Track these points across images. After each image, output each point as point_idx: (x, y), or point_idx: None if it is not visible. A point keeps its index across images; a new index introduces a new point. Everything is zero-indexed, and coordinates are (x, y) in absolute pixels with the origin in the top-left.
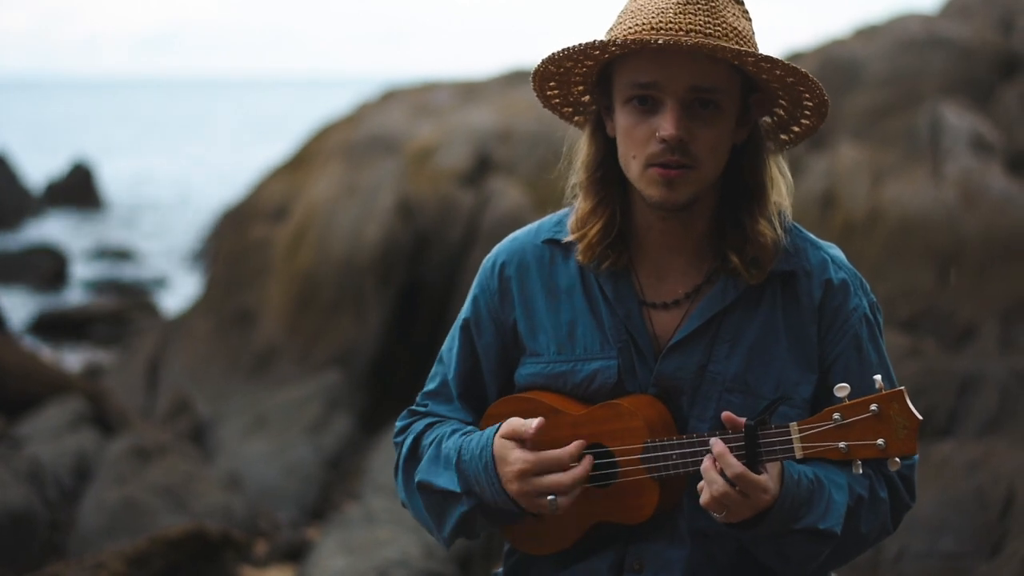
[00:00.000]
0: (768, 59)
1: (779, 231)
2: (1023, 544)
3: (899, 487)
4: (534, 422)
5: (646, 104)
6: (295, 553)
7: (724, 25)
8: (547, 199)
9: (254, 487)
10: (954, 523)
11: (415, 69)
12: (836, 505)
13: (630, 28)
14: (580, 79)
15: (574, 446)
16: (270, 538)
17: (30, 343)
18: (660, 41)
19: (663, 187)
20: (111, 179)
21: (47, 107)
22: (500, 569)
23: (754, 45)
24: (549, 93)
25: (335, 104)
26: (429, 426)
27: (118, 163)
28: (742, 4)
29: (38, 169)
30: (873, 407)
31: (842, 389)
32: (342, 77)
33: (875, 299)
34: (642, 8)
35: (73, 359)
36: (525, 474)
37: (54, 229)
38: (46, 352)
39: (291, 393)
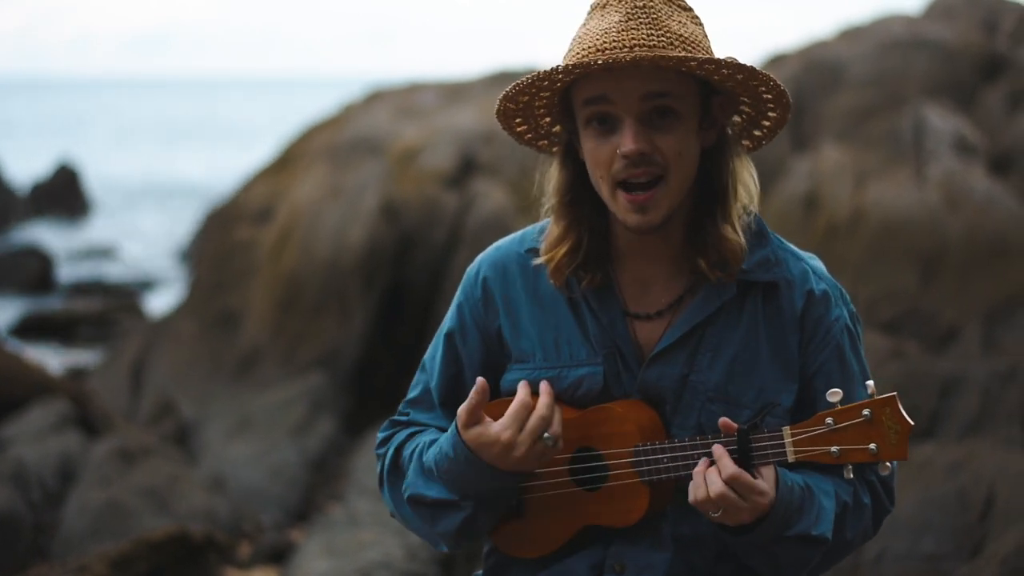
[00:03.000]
0: (711, 60)
1: (740, 235)
2: (1003, 545)
3: (880, 493)
4: (476, 386)
5: (605, 124)
6: (278, 555)
7: (669, 34)
8: (531, 201)
9: (238, 489)
10: (935, 524)
11: (400, 69)
12: (826, 511)
13: (577, 54)
14: (544, 111)
15: (520, 388)
16: (253, 540)
17: (14, 345)
18: (600, 61)
19: (636, 213)
20: (97, 180)
21: (35, 107)
22: (480, 571)
23: (705, 48)
24: (519, 129)
25: (320, 105)
26: (410, 436)
27: (104, 164)
28: (690, 11)
29: (24, 170)
30: (865, 412)
31: (835, 394)
32: (328, 77)
33: (854, 309)
34: (588, 32)
35: (57, 361)
36: (511, 441)
37: (39, 231)
38: (30, 354)
39: (275, 395)
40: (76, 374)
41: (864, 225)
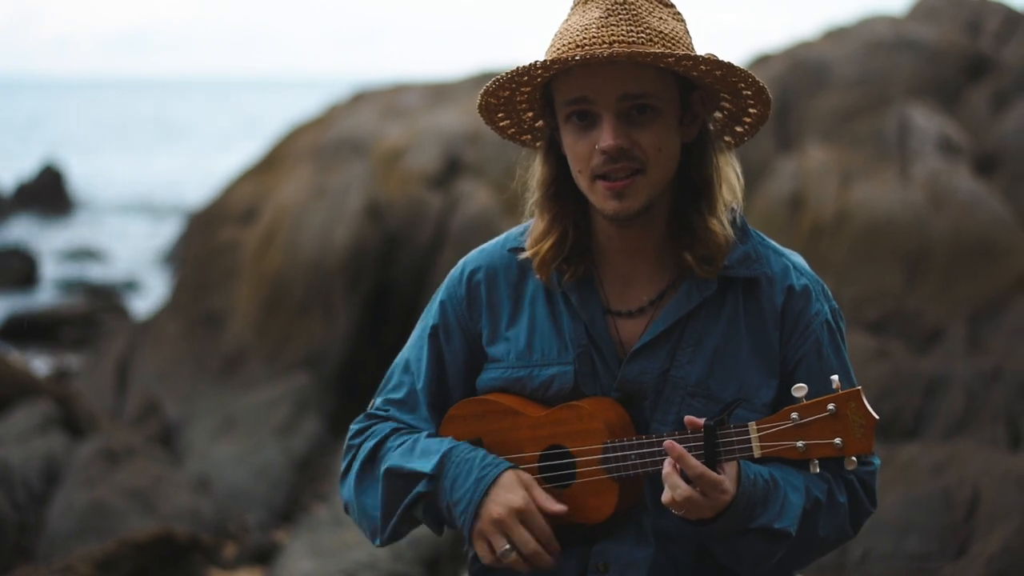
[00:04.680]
0: (688, 57)
1: (727, 228)
2: (988, 545)
3: (859, 492)
4: (559, 507)
5: (584, 120)
6: (264, 556)
7: (648, 31)
8: (515, 202)
9: (223, 489)
10: (920, 524)
11: (385, 70)
12: (792, 506)
13: (558, 49)
14: (526, 105)
15: (555, 545)
16: (238, 541)
17: None
18: (578, 57)
19: (613, 199)
20: (81, 180)
21: (15, 107)
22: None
23: (686, 45)
24: (502, 124)
25: (305, 105)
26: (395, 431)
27: (88, 164)
28: (672, 6)
29: (8, 170)
30: (830, 407)
31: (799, 389)
32: (312, 78)
33: (837, 305)
34: (569, 28)
35: (42, 362)
36: (518, 512)
37: (24, 231)
38: (15, 355)
39: (260, 395)
40: (61, 375)
41: (849, 225)
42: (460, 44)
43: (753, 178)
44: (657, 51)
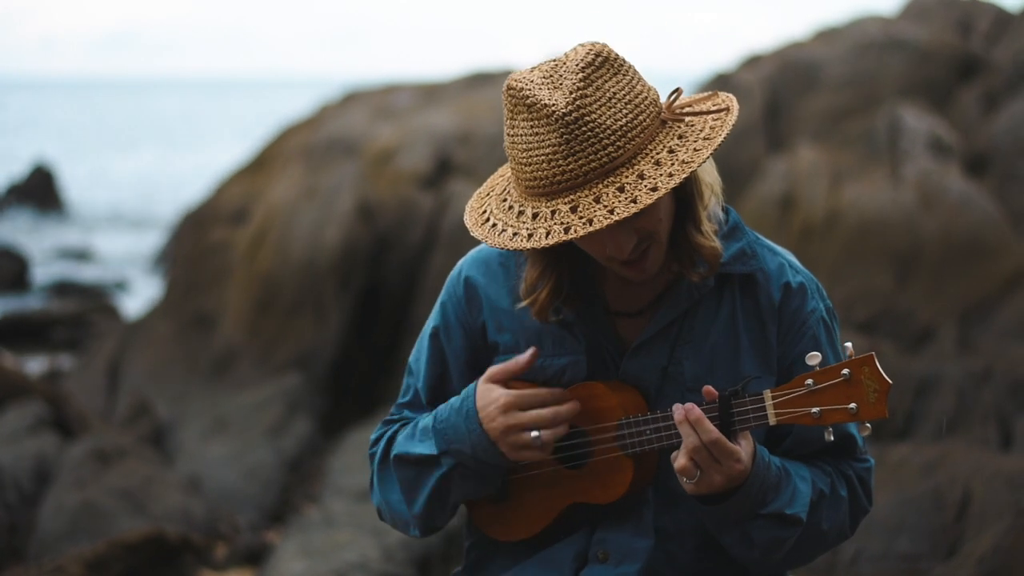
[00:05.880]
0: (673, 179)
1: (714, 240)
2: (979, 545)
3: (857, 488)
4: (526, 353)
5: None
6: (254, 556)
7: (613, 136)
8: None
9: (214, 490)
10: (911, 524)
11: (376, 70)
12: (801, 494)
13: (529, 182)
14: None
15: (557, 389)
16: (229, 541)
17: None
18: (581, 234)
19: (630, 269)
20: (72, 181)
21: (4, 107)
22: (459, 568)
23: (648, 105)
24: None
25: (295, 105)
26: (403, 426)
27: (79, 164)
28: (604, 63)
29: None
30: (844, 372)
31: (813, 357)
32: (303, 78)
33: (831, 304)
34: (530, 154)
35: (33, 363)
36: (509, 407)
37: (15, 231)
38: (6, 356)
39: (251, 396)
40: (52, 375)
41: (840, 225)
42: (451, 44)
43: (744, 179)
44: (645, 199)
